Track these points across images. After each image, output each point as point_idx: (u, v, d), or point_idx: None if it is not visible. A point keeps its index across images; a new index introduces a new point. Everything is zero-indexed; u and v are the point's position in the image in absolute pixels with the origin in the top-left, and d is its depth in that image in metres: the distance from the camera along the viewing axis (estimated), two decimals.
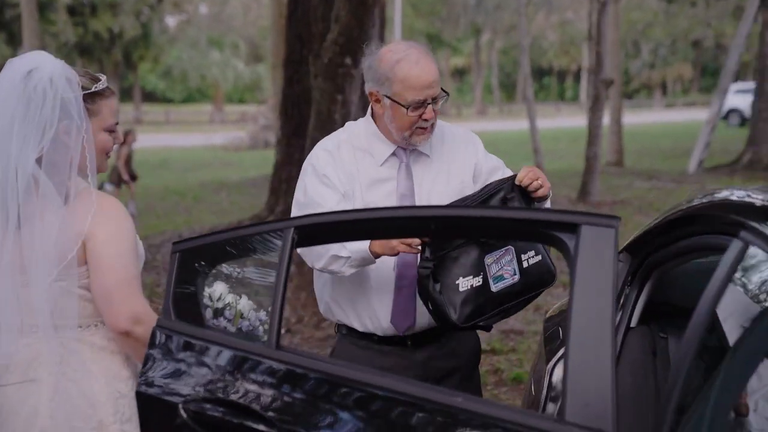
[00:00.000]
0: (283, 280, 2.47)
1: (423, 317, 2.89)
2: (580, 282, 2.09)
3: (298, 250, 2.82)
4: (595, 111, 12.78)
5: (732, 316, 2.24)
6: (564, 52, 58.08)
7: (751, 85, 31.82)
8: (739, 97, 33.98)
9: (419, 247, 2.69)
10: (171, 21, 45.58)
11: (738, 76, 43.27)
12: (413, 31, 44.96)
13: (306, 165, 2.98)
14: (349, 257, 2.78)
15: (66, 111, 2.47)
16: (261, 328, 2.42)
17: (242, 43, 50.29)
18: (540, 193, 2.77)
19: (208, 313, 2.53)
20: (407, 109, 2.83)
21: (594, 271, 2.09)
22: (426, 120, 2.85)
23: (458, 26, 46.84)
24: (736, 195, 2.51)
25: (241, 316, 2.46)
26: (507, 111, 52.78)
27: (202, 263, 2.63)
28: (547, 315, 3.36)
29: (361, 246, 2.77)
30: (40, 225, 2.44)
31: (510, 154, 18.12)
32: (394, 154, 2.95)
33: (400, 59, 2.83)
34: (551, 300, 6.73)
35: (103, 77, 2.63)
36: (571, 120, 41.35)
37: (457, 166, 2.95)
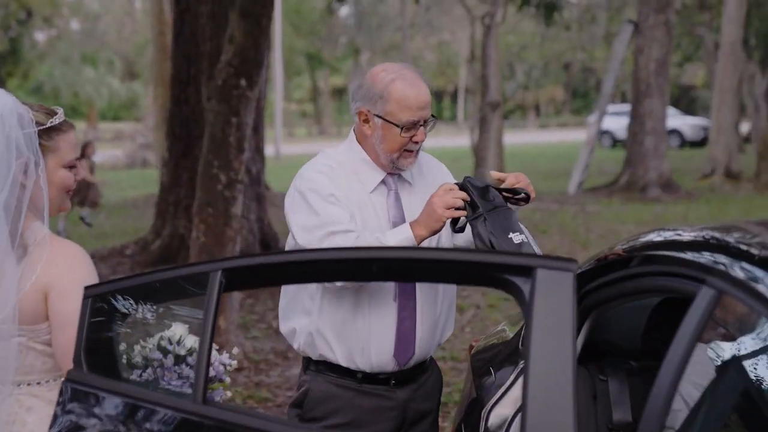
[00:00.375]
0: (210, 327, 2.28)
1: (422, 347, 2.83)
2: (537, 330, 1.98)
3: (298, 242, 2.70)
4: (482, 132, 12.89)
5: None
6: (441, 72, 58.88)
7: (622, 107, 32.93)
8: (611, 120, 35.08)
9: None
10: (41, 36, 44.11)
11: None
12: (293, 50, 44.83)
13: (302, 190, 2.80)
14: None
15: (20, 149, 2.29)
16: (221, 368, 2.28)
17: (117, 60, 49.09)
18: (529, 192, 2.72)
19: (140, 359, 2.32)
20: (401, 129, 2.76)
21: (552, 319, 1.98)
22: (416, 143, 2.79)
23: (338, 46, 46.91)
24: (686, 234, 2.45)
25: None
26: None
27: (118, 309, 2.42)
28: (475, 349, 3.25)
29: (402, 234, 2.66)
30: None
31: None
32: (383, 181, 2.86)
33: (394, 78, 2.77)
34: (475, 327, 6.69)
35: (60, 110, 2.43)
36: (452, 140, 41.89)
37: (432, 191, 2.83)
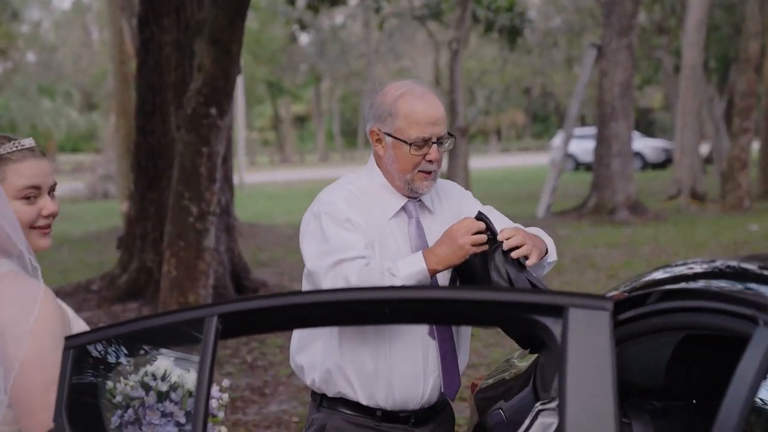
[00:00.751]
0: (207, 378, 2.09)
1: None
2: (573, 377, 1.81)
3: (308, 268, 2.55)
4: (451, 158, 12.79)
5: None
6: None
7: (583, 130, 33.11)
8: (573, 143, 35.25)
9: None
10: None
11: (563, 125, 45.06)
12: (254, 79, 44.62)
13: (317, 214, 2.65)
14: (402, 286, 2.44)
15: None
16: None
17: (75, 91, 48.58)
18: (524, 251, 2.48)
19: (121, 398, 2.11)
20: (410, 147, 2.60)
21: (588, 364, 1.81)
22: (431, 162, 2.62)
23: (298, 73, 46.82)
24: (721, 265, 2.30)
25: (190, 394, 2.10)
26: (349, 157, 52.99)
27: (103, 361, 2.22)
28: (479, 387, 3.07)
29: (414, 267, 2.47)
30: None
31: None
32: (403, 208, 2.69)
33: (404, 93, 2.62)
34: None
35: (20, 138, 2.25)
36: None
37: (455, 219, 2.66)
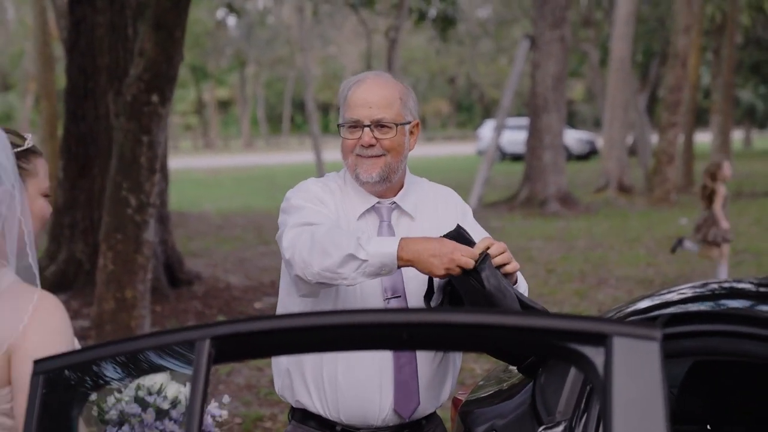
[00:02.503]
0: (199, 407, 1.88)
1: (427, 398, 2.49)
2: (620, 415, 1.65)
3: (284, 246, 2.39)
4: None
5: None
6: (327, 86, 58.67)
7: (510, 121, 33.31)
8: (493, 134, 35.49)
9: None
10: None
11: (489, 114, 45.40)
12: None
13: (289, 196, 2.56)
14: (366, 261, 2.26)
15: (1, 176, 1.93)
16: None
17: None
18: (509, 268, 2.35)
19: (115, 414, 1.98)
20: (343, 129, 2.53)
21: (637, 399, 1.65)
22: (364, 146, 2.49)
23: (223, 57, 46.13)
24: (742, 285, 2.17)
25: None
26: (274, 143, 52.51)
27: (79, 388, 1.98)
28: (465, 401, 2.89)
29: (385, 247, 2.28)
30: None
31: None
32: (373, 209, 2.53)
33: (356, 82, 2.56)
34: None
35: (29, 135, 2.06)
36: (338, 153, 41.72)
37: (443, 231, 2.46)
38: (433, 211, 2.62)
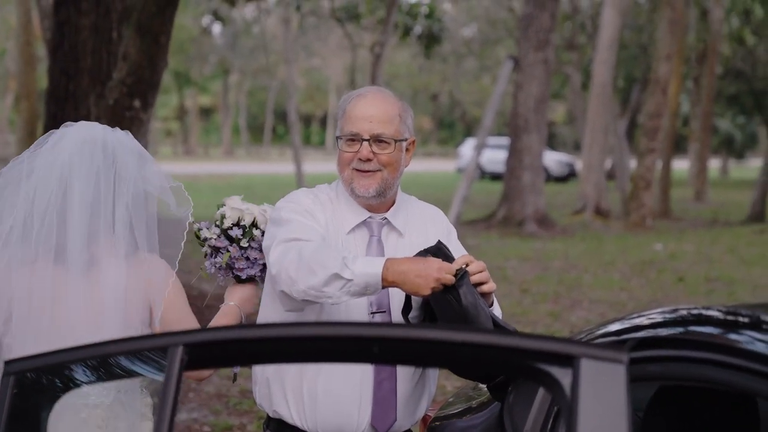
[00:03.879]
0: (169, 414, 1.89)
1: (404, 414, 2.50)
2: None
3: (271, 261, 2.43)
4: None
5: None
6: (310, 97, 58.66)
7: (492, 140, 33.45)
8: (474, 152, 35.58)
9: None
10: None
11: (470, 132, 45.55)
12: None
13: (278, 206, 2.58)
14: (351, 281, 2.28)
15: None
16: None
17: None
18: (486, 288, 2.37)
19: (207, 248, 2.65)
20: (341, 141, 2.55)
21: (602, 421, 1.68)
22: (362, 161, 2.49)
23: (207, 65, 46.06)
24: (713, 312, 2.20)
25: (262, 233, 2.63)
26: (255, 153, 52.41)
27: (50, 390, 1.99)
28: (434, 416, 2.91)
29: (371, 268, 2.29)
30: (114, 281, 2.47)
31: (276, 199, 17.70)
32: (364, 224, 2.54)
33: (356, 96, 2.58)
34: None
35: None
36: (320, 166, 41.71)
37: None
38: (421, 228, 2.64)
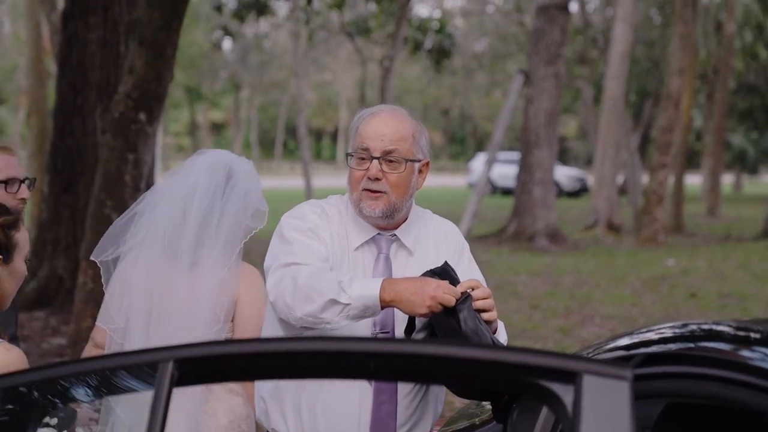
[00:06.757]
0: (159, 429, 1.82)
1: None
2: None
3: (268, 288, 2.40)
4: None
5: None
6: (321, 112, 58.73)
7: (501, 155, 33.38)
8: (485, 167, 35.49)
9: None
10: None
11: (481, 146, 45.53)
12: (172, 83, 43.75)
13: (283, 220, 2.53)
14: (348, 305, 2.23)
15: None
16: None
17: None
18: (487, 316, 2.31)
19: None
20: (351, 158, 2.47)
21: None
22: (370, 179, 2.42)
23: (218, 80, 46.17)
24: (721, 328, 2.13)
25: None
26: (266, 168, 52.44)
27: (36, 406, 1.93)
28: (439, 431, 2.84)
29: (368, 290, 2.24)
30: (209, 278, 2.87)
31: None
32: (373, 240, 2.47)
33: (370, 113, 2.52)
34: None
35: None
36: (332, 180, 41.71)
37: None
38: (433, 247, 2.57)
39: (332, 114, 58.21)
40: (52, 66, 18.64)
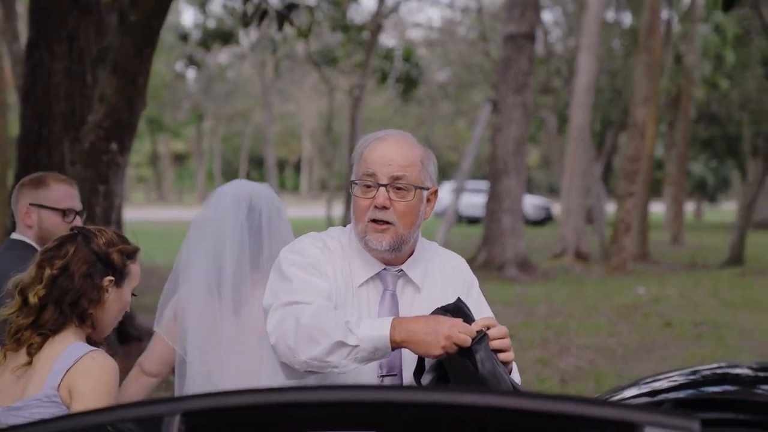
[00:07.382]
0: None
1: None
2: None
3: (269, 329, 2.22)
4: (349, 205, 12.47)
5: None
6: (284, 143, 58.59)
7: (468, 184, 33.38)
8: (453, 196, 35.52)
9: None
10: None
11: (446, 176, 45.56)
12: None
13: (282, 254, 2.35)
14: (357, 347, 2.07)
15: None
16: None
17: None
18: (504, 357, 2.15)
19: None
20: (356, 186, 2.31)
21: None
22: (378, 208, 2.26)
23: (180, 111, 45.90)
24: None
25: None
26: None
27: None
28: None
29: (377, 330, 2.08)
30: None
31: None
32: (378, 276, 2.32)
33: (375, 139, 2.36)
34: None
35: None
36: (296, 210, 41.45)
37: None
38: (441, 282, 2.43)
39: (295, 145, 58.05)
40: (11, 98, 18.33)
